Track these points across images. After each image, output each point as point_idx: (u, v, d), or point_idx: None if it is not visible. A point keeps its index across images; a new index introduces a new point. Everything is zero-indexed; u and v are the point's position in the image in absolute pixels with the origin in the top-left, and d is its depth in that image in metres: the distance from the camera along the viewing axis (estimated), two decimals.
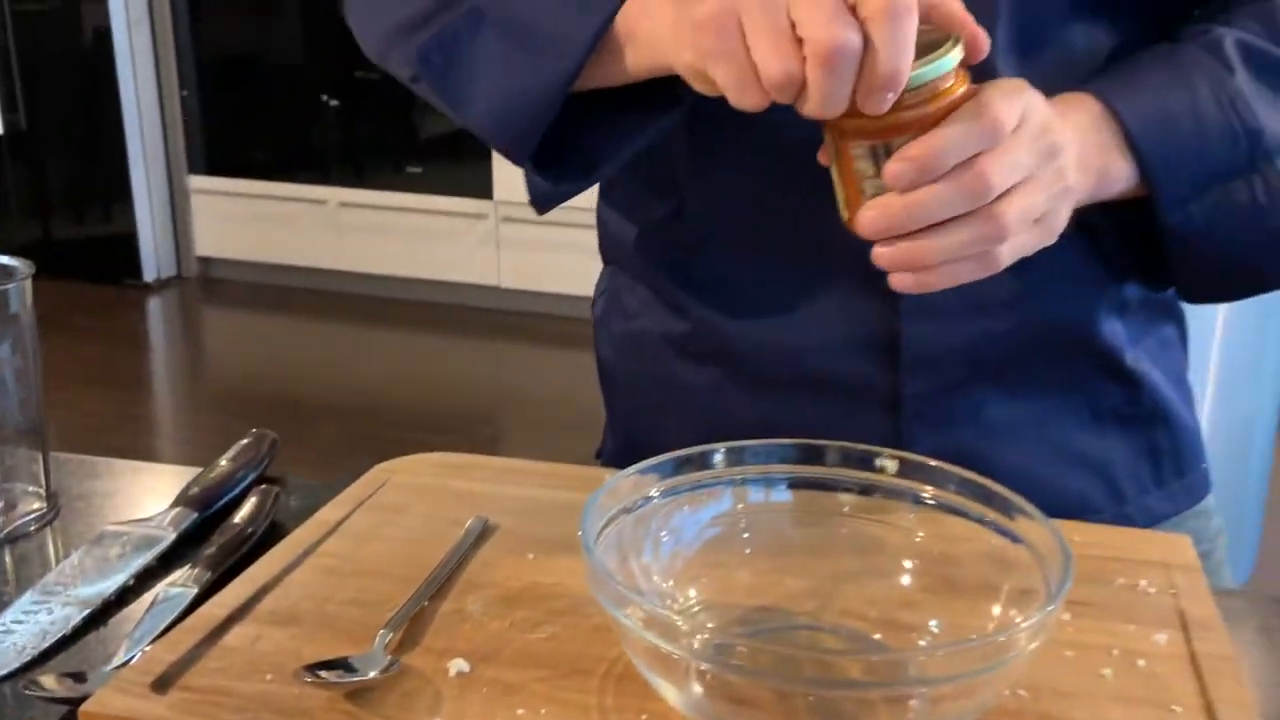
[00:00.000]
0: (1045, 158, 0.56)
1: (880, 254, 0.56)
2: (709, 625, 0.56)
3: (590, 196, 0.79)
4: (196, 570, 0.66)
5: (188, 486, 0.76)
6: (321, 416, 3.18)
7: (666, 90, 0.63)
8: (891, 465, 0.59)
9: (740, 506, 0.60)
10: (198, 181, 4.31)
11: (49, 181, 4.34)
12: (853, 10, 0.50)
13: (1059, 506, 0.71)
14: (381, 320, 4.02)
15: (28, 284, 0.74)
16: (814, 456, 0.60)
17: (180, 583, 0.65)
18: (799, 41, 0.51)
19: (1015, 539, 0.56)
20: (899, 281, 0.57)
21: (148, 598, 0.64)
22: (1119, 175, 0.63)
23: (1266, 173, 0.66)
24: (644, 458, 0.58)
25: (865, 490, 0.60)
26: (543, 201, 0.70)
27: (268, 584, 0.62)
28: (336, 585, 0.62)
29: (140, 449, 3.06)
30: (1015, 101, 0.55)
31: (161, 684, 0.53)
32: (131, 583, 0.67)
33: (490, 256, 3.88)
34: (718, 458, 0.59)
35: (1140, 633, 0.59)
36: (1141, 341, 0.76)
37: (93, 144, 4.22)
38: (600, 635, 0.57)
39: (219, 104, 4.28)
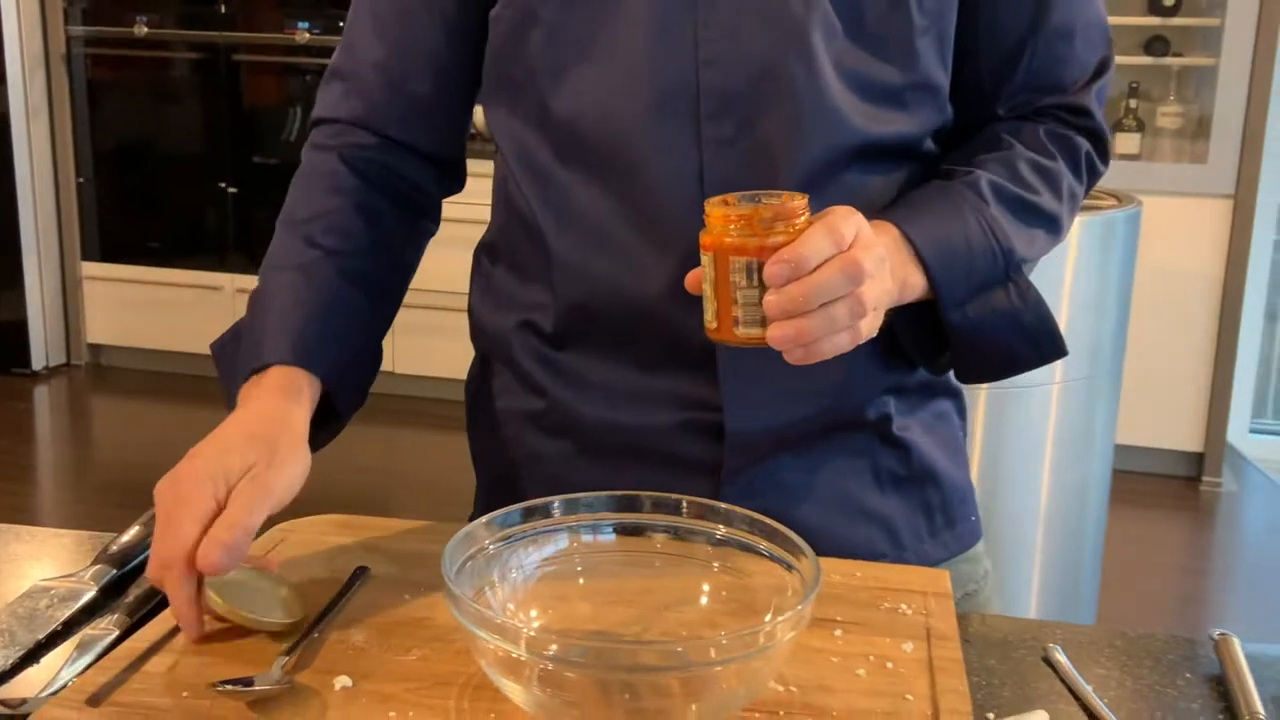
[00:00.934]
0: (878, 263, 0.73)
1: (776, 334, 0.70)
2: (547, 634, 0.70)
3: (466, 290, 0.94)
4: (117, 616, 0.77)
5: (107, 546, 0.87)
6: None
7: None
8: (693, 510, 0.73)
9: (574, 547, 0.74)
10: (91, 268, 4.34)
11: None
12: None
13: (851, 554, 0.87)
14: None
15: None
16: (633, 505, 0.75)
17: (104, 627, 0.76)
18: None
19: (790, 567, 0.71)
20: (793, 356, 0.72)
21: (76, 639, 0.75)
22: (914, 285, 0.81)
23: (1018, 281, 0.86)
24: None
25: (674, 531, 0.74)
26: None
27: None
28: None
29: None
30: (851, 221, 0.73)
31: (94, 700, 0.65)
32: (60, 629, 0.77)
33: (385, 345, 3.97)
34: (556, 507, 0.74)
35: (893, 643, 0.74)
36: (915, 414, 0.93)
37: None
38: (461, 657, 0.70)
39: (115, 191, 4.33)
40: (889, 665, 0.72)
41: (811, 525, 0.85)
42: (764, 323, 0.72)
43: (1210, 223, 3.37)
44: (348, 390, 0.86)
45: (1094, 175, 0.91)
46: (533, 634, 0.62)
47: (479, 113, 0.94)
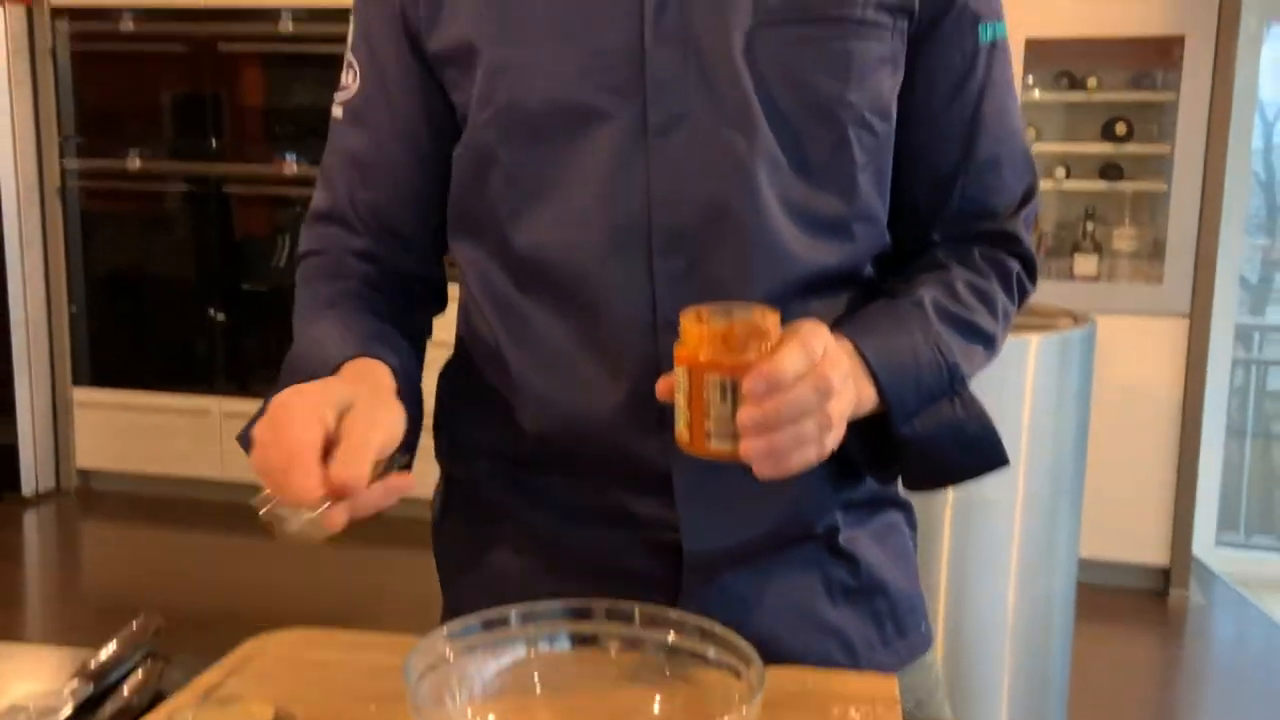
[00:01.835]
0: (843, 379, 0.78)
1: (749, 449, 0.74)
2: None
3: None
4: None
5: (85, 663, 0.91)
6: (200, 628, 3.21)
7: None
8: (645, 618, 0.79)
9: (531, 657, 0.79)
10: (81, 394, 4.39)
11: None
12: None
13: (806, 664, 0.91)
14: (259, 529, 4.08)
15: None
16: (587, 614, 0.80)
17: None
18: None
19: (738, 674, 0.76)
20: (763, 469, 0.75)
21: None
22: (868, 398, 0.86)
23: (962, 394, 0.91)
24: None
25: (627, 640, 0.79)
26: None
27: None
28: None
29: None
30: (820, 336, 0.77)
31: None
32: None
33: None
34: (513, 617, 0.79)
35: None
36: (863, 526, 0.98)
37: None
38: None
39: (106, 318, 4.42)
40: None
41: (766, 636, 0.88)
42: (735, 437, 0.74)
43: (1168, 341, 3.47)
44: (410, 407, 0.84)
45: (1024, 295, 0.98)
46: None
47: None
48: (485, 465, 0.98)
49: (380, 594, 3.53)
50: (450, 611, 1.04)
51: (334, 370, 0.83)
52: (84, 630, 3.38)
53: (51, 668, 0.96)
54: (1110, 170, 3.65)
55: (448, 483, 1.03)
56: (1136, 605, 3.51)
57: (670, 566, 0.92)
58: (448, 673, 0.76)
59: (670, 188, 0.86)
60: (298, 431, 0.72)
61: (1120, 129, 3.59)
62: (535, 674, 0.79)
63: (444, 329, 1.04)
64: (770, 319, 0.76)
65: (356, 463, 0.71)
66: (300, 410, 0.73)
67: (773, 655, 0.74)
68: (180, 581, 3.69)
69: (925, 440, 0.89)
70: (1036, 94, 3.66)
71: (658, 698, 0.79)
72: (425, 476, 1.01)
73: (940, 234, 0.96)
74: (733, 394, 0.74)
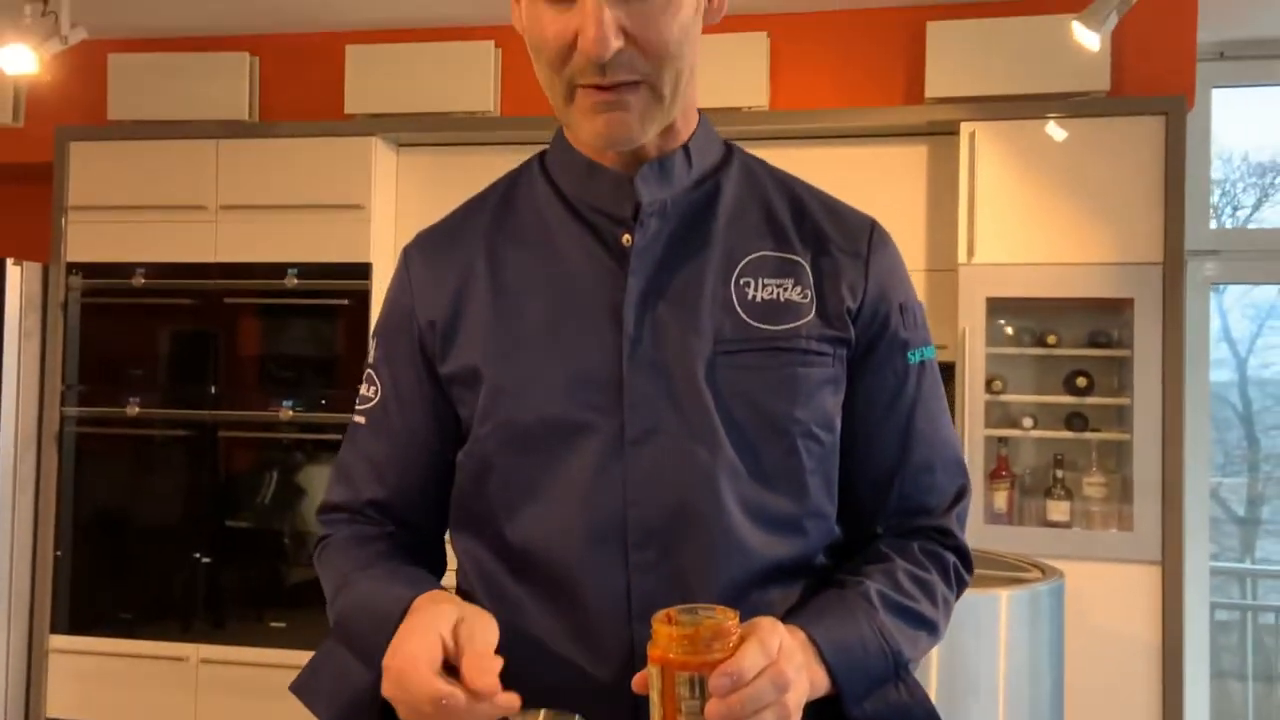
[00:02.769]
0: (798, 671, 0.88)
1: None
2: None
3: None
4: None
5: None
6: None
7: None
8: None
9: None
10: (58, 641, 4.35)
11: None
12: None
13: None
14: None
15: None
16: None
17: None
18: None
19: None
20: None
21: None
22: (820, 683, 0.95)
23: (906, 679, 1.01)
24: None
25: None
26: None
27: None
28: None
29: None
30: (777, 633, 0.88)
31: None
32: None
33: None
34: None
35: None
36: None
37: None
38: None
39: (90, 562, 4.42)
40: None
41: None
42: None
43: (1142, 588, 3.52)
44: None
45: (961, 584, 1.09)
46: None
47: None
48: None
49: None
50: None
51: (410, 603, 0.93)
52: None
53: None
54: (1075, 420, 3.81)
55: None
56: None
57: None
58: None
59: (643, 491, 0.98)
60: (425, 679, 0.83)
61: (1081, 382, 3.78)
62: None
63: None
64: (731, 619, 0.87)
65: (488, 670, 0.83)
66: (420, 654, 0.84)
67: None
68: None
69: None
70: (1002, 347, 3.86)
71: None
72: None
73: (883, 527, 1.08)
74: (700, 689, 0.84)
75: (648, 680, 0.86)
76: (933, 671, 2.13)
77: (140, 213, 4.33)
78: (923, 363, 1.08)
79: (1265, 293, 5.04)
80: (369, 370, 1.12)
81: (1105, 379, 3.82)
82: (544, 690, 0.98)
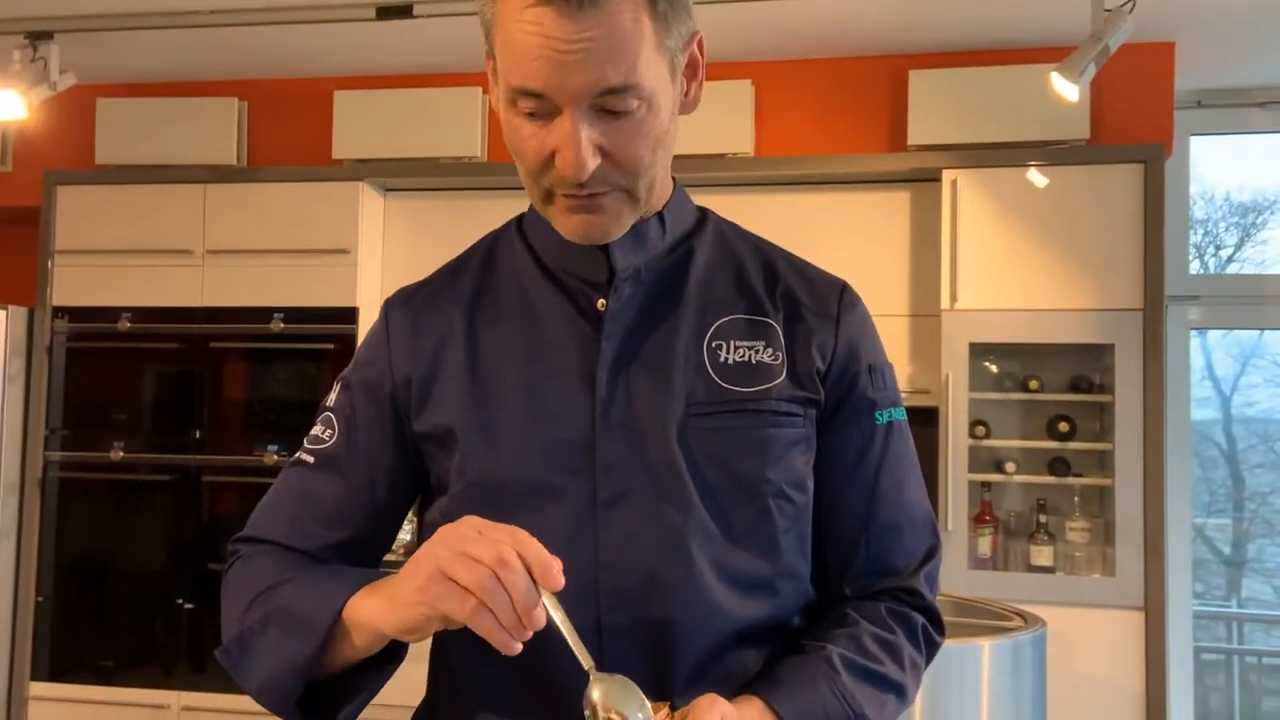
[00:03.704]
0: None
1: None
2: None
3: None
4: None
5: None
6: None
7: (387, 654, 0.95)
8: None
9: None
10: (38, 688, 4.30)
11: None
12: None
13: None
14: None
15: None
16: None
17: None
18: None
19: None
20: None
21: None
22: None
23: None
24: None
25: None
26: None
27: None
28: None
29: None
30: (715, 710, 0.88)
31: None
32: None
33: None
34: None
35: None
36: None
37: None
38: None
39: (72, 608, 4.38)
40: None
41: None
42: None
43: (1126, 634, 3.52)
44: None
45: (931, 646, 1.09)
46: None
47: None
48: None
49: None
50: None
51: (375, 578, 0.94)
52: None
53: None
54: (1058, 465, 3.83)
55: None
56: None
57: None
58: None
59: (615, 555, 0.99)
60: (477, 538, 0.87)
61: (1064, 427, 3.79)
62: None
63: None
64: (662, 711, 0.86)
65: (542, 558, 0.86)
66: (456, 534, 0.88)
67: None
68: None
69: None
70: (984, 392, 3.88)
71: None
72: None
73: (850, 588, 1.08)
74: None
75: None
76: None
77: (127, 257, 4.34)
78: (890, 423, 1.08)
79: (1249, 332, 5.07)
80: (327, 413, 1.11)
81: (1087, 424, 3.84)
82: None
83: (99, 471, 4.38)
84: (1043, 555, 3.73)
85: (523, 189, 1.03)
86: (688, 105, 1.04)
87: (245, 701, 4.08)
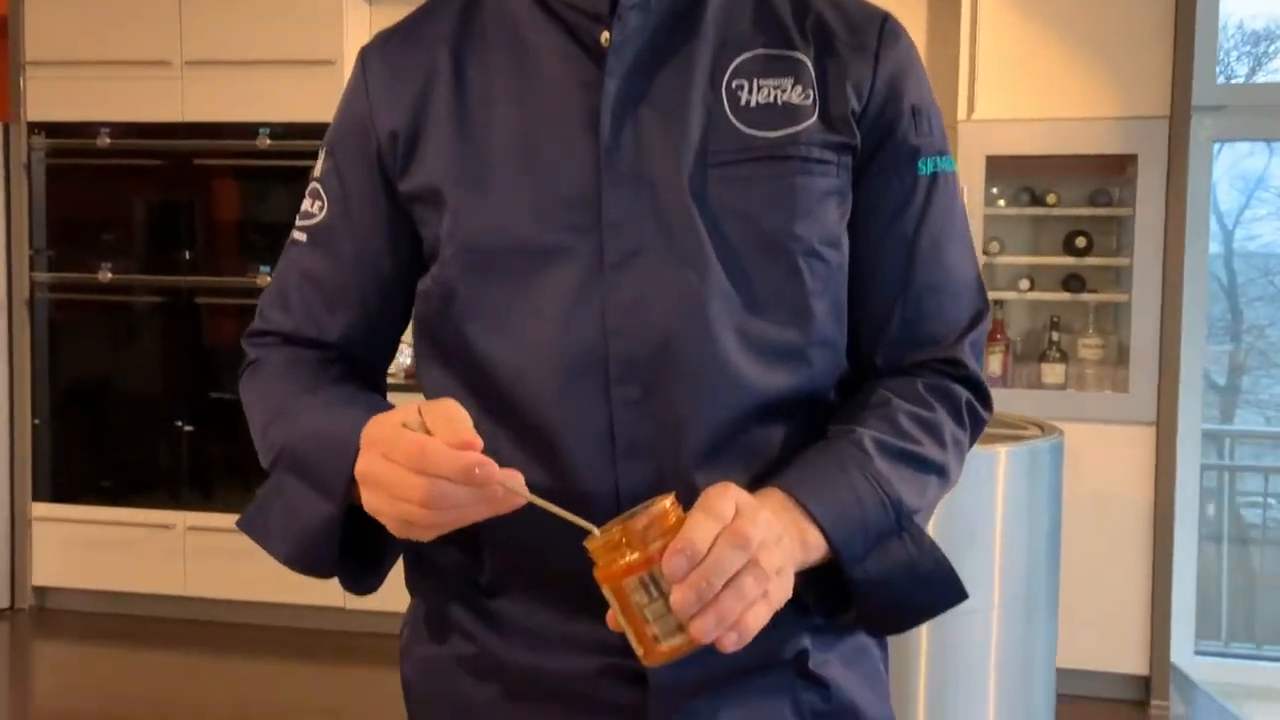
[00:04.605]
0: (766, 528, 0.77)
1: (699, 629, 0.73)
2: None
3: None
4: None
5: None
6: None
7: None
8: None
9: None
10: (40, 509, 4.31)
11: None
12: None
13: None
14: (225, 648, 3.98)
15: None
16: None
17: None
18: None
19: None
20: (727, 642, 0.74)
21: None
22: (814, 543, 0.84)
23: (911, 530, 0.90)
24: None
25: None
26: (358, 592, 0.91)
27: None
28: None
29: None
30: (727, 496, 0.77)
31: None
32: None
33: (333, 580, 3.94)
34: None
35: None
36: (833, 650, 0.96)
37: None
38: None
39: (70, 431, 4.36)
40: None
41: None
42: (682, 627, 0.73)
43: (1137, 450, 3.49)
44: None
45: (977, 422, 0.98)
46: None
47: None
48: (451, 590, 0.97)
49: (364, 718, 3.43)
50: None
51: (365, 422, 0.84)
52: None
53: None
54: (1073, 282, 3.73)
55: (414, 608, 1.02)
56: (1118, 716, 3.45)
57: (635, 694, 0.90)
58: None
59: (625, 320, 0.88)
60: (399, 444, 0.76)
61: (1081, 242, 3.68)
62: None
63: None
64: (664, 502, 0.75)
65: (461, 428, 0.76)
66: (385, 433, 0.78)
67: None
68: (141, 704, 3.58)
69: (878, 582, 0.88)
70: (1000, 207, 3.75)
71: None
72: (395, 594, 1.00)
73: (882, 360, 0.96)
74: (656, 587, 0.73)
75: (615, 615, 0.76)
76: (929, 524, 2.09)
77: (102, 69, 4.13)
78: (935, 174, 0.95)
79: (1254, 163, 4.93)
80: (314, 184, 1.00)
81: (1104, 239, 3.73)
82: (521, 543, 0.90)
83: (89, 293, 4.28)
84: (1054, 374, 3.67)
85: None
86: None
87: None
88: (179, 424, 4.25)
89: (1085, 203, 3.71)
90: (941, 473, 0.94)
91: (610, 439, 0.88)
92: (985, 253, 3.67)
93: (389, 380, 1.10)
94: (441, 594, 0.97)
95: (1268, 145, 4.71)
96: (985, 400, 0.99)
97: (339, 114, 1.00)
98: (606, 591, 0.74)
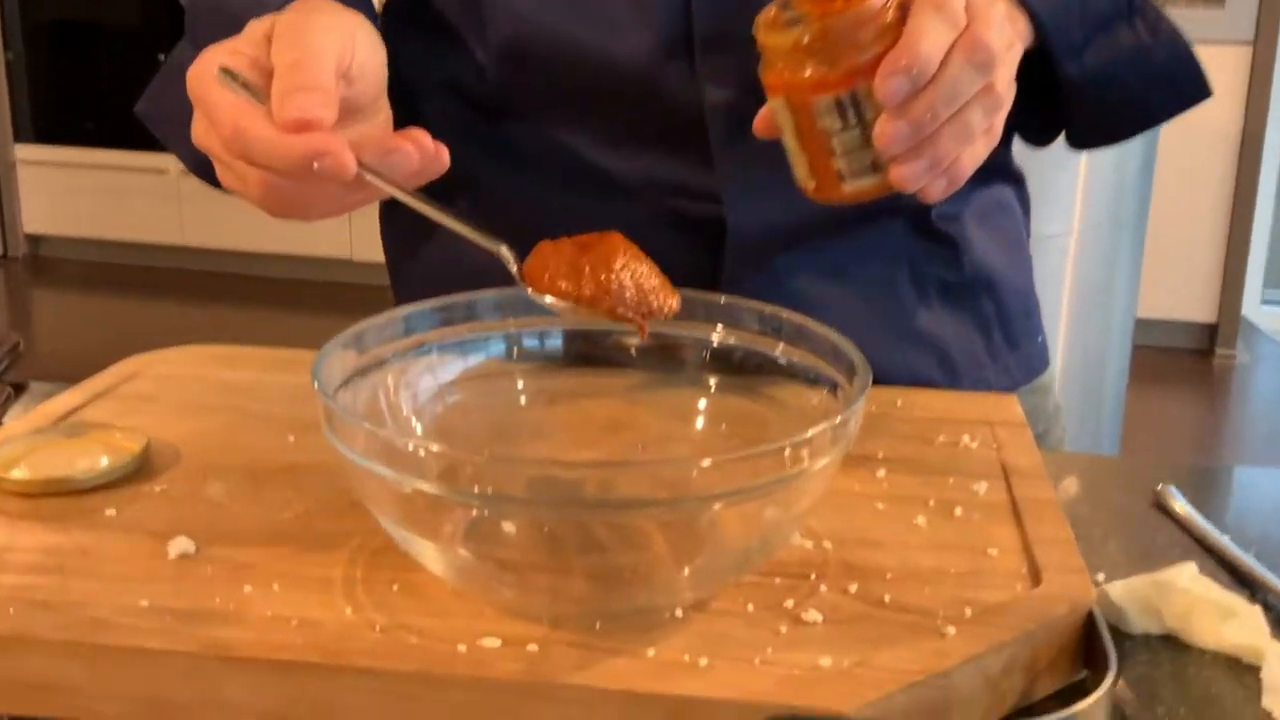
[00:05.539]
0: (1000, 32, 0.53)
1: (906, 173, 0.51)
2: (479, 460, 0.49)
3: None
4: None
5: None
6: None
7: None
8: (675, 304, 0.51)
9: (513, 358, 0.53)
10: (25, 151, 4.05)
11: None
12: None
13: (889, 383, 0.67)
14: (224, 298, 3.83)
15: None
16: None
17: None
18: None
19: (816, 380, 0.50)
20: (934, 190, 0.53)
21: None
22: (1024, 33, 0.62)
23: (1144, 11, 0.68)
24: None
25: (652, 340, 0.53)
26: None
27: None
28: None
29: None
30: None
31: None
32: None
33: (342, 229, 3.74)
34: (485, 304, 0.52)
35: (959, 484, 0.54)
36: (965, 201, 0.73)
37: None
38: (357, 511, 0.49)
39: (50, 67, 4.02)
40: (957, 512, 0.52)
41: None
42: (877, 166, 0.53)
43: (1229, 71, 3.16)
44: None
45: None
46: (445, 458, 0.41)
47: None
48: (441, 110, 0.70)
49: None
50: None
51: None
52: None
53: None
54: None
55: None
56: (1183, 364, 3.31)
57: (706, 251, 0.67)
58: (387, 381, 0.50)
59: None
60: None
61: None
62: (518, 385, 0.53)
63: None
64: None
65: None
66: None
67: None
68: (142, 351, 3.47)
69: (1100, 78, 0.67)
70: None
71: (700, 415, 0.54)
72: None
73: None
74: (856, 112, 0.51)
75: (772, 119, 0.53)
76: None
77: None
78: None
79: None
80: None
81: None
82: (553, 34, 0.65)
83: None
84: None
85: None
86: None
87: None
88: (162, 57, 3.89)
89: None
90: None
91: None
92: None
93: None
94: (426, 118, 0.71)
95: None
96: None
97: None
98: (777, 102, 0.52)
